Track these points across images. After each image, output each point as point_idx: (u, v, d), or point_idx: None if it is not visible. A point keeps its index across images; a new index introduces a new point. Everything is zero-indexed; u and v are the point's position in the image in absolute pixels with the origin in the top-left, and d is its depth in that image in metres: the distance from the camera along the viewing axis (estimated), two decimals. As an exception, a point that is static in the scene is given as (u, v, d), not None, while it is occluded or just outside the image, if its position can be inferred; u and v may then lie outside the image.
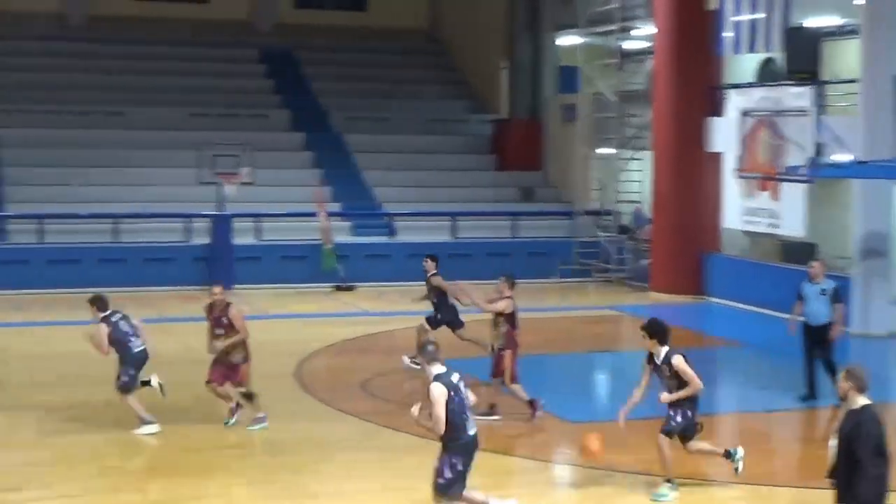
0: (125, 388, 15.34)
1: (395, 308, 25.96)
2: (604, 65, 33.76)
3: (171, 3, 40.79)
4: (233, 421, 15.47)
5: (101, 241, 30.31)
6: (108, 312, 15.28)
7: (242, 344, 15.34)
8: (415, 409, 10.87)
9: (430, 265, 19.64)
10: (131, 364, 15.32)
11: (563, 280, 32.18)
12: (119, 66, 37.57)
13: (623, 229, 33.60)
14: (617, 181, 33.70)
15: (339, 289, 30.37)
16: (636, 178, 33.60)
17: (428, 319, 19.59)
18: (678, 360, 12.51)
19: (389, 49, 41.37)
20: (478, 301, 16.14)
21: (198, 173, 30.94)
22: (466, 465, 10.82)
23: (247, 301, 28.46)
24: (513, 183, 35.95)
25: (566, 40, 35.71)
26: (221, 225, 30.68)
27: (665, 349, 12.60)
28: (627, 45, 33.41)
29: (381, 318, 25.52)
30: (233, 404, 15.50)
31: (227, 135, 32.86)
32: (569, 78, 35.77)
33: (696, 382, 12.49)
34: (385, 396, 17.64)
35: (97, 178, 32.66)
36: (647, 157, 31.67)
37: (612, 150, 33.60)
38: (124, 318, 15.46)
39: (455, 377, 10.80)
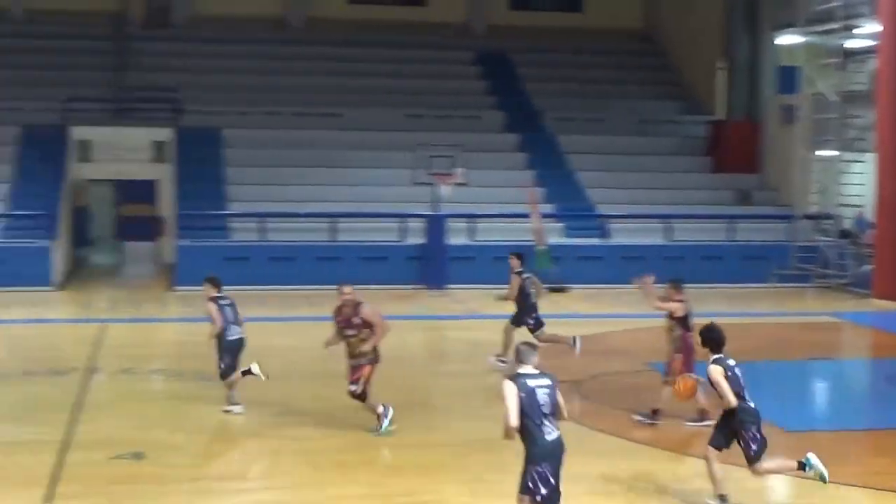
0: (224, 374, 16.13)
1: (608, 310, 25.77)
2: (825, 64, 32.87)
3: (387, 6, 41.47)
4: (385, 425, 15.16)
5: (318, 239, 30.96)
6: (219, 294, 16.10)
7: (371, 345, 14.90)
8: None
9: (514, 263, 19.67)
10: (227, 351, 16.06)
11: (779, 285, 31.43)
12: (336, 68, 38.33)
13: (844, 234, 32.64)
14: (838, 184, 32.76)
15: (551, 290, 30.26)
16: (858, 182, 32.60)
17: (527, 325, 19.54)
18: (711, 370, 11.70)
19: (604, 50, 41.17)
20: (651, 300, 15.89)
21: (413, 174, 31.33)
22: (554, 473, 10.26)
23: (459, 301, 28.74)
24: (729, 185, 35.30)
25: (786, 39, 34.89)
26: (435, 225, 30.99)
27: (712, 358, 11.84)
28: (850, 43, 32.45)
29: (593, 321, 25.36)
30: (380, 409, 15.16)
31: (442, 136, 33.16)
32: (788, 78, 34.93)
33: (728, 398, 11.57)
34: (597, 399, 17.49)
35: (315, 178, 33.39)
36: (871, 159, 30.68)
37: (833, 153, 32.68)
38: (231, 305, 16.15)
39: (537, 381, 10.33)
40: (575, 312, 26.92)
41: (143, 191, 36.36)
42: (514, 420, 10.16)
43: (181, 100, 35.46)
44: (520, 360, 10.51)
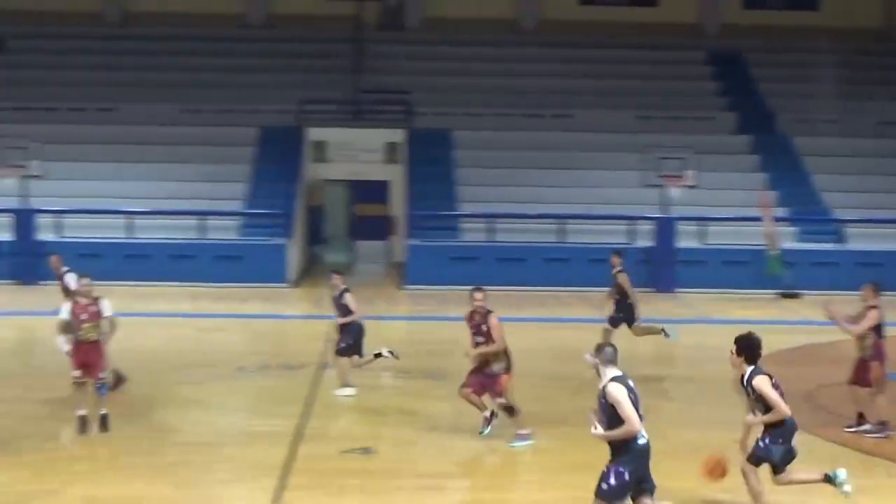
0: (342, 352, 17.42)
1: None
2: None
3: (619, 7, 41.20)
4: (487, 430, 14.83)
5: (547, 240, 30.98)
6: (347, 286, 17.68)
7: (503, 354, 14.67)
8: (592, 416, 10.24)
9: (616, 261, 19.87)
10: (351, 334, 17.34)
11: None
12: (567, 69, 38.27)
13: None
14: None
15: (784, 296, 29.63)
16: None
17: (610, 319, 19.69)
18: (759, 382, 11.17)
19: (841, 49, 39.92)
20: (841, 323, 15.28)
21: (643, 176, 31.05)
22: (634, 475, 10.13)
23: (688, 305, 28.34)
24: (974, 189, 33.84)
25: None
26: (665, 227, 30.67)
27: (750, 369, 11.34)
28: None
29: (827, 328, 24.58)
30: (486, 413, 14.88)
31: (673, 137, 32.77)
32: None
33: (781, 408, 11.09)
34: (831, 409, 16.98)
35: (545, 180, 33.42)
36: None
37: None
38: (348, 290, 17.56)
39: (631, 382, 10.25)
40: (807, 319, 26.21)
41: (375, 191, 37.09)
42: (639, 425, 10.06)
43: (413, 102, 36.00)
44: (610, 361, 10.32)
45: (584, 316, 25.91)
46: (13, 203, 30.72)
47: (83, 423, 14.82)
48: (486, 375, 14.67)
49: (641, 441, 10.18)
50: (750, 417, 11.45)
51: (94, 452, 14.25)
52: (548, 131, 35.69)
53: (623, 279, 19.72)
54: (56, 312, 16.74)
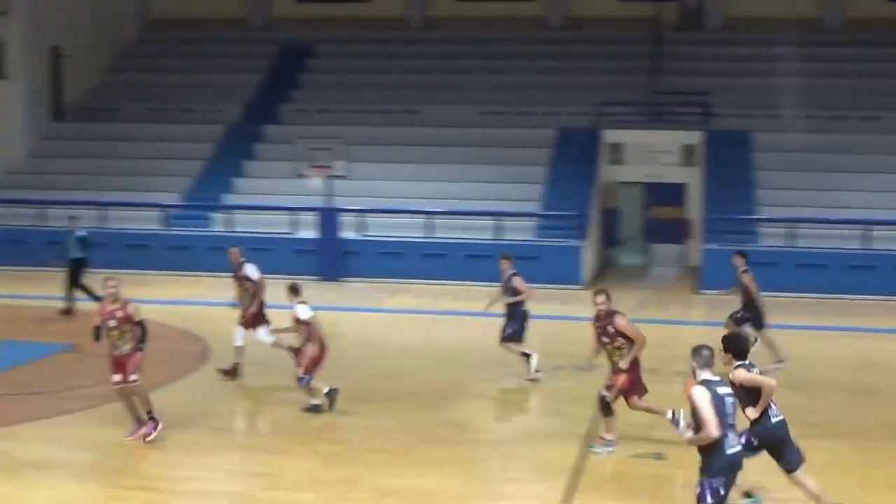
0: (510, 338, 18.64)
1: None
2: None
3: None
4: (605, 450, 14.46)
5: (850, 247, 29.91)
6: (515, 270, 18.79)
7: (626, 351, 14.52)
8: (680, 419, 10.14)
9: (740, 262, 19.87)
10: (516, 319, 18.66)
11: None
12: (876, 69, 36.80)
13: None
14: None
15: None
16: None
17: (732, 315, 19.67)
18: (736, 374, 10.96)
19: None
20: None
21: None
22: (728, 487, 9.83)
23: None
24: None
25: None
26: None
27: (736, 364, 11.09)
28: None
29: None
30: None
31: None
32: None
33: (767, 383, 11.07)
34: None
35: (849, 184, 32.24)
36: None
37: None
38: (516, 274, 18.75)
39: (724, 389, 9.98)
40: None
41: (671, 193, 36.66)
42: (716, 430, 9.80)
43: (712, 103, 35.41)
44: (706, 364, 10.13)
45: (890, 326, 24.93)
46: (319, 202, 31.85)
47: (314, 409, 16.15)
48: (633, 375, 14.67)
49: (731, 451, 9.94)
50: (749, 410, 11.24)
51: (386, 444, 14.64)
52: (853, 134, 34.38)
53: (747, 279, 19.65)
54: (228, 304, 19.10)
